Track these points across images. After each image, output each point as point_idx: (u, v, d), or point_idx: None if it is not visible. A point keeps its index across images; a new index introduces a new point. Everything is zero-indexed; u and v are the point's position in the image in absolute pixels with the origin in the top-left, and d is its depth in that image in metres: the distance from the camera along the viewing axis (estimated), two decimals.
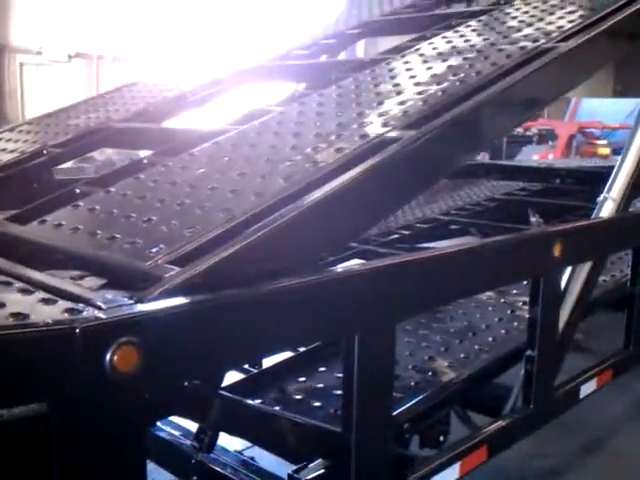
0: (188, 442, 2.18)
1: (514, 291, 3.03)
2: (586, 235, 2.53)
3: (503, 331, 2.65)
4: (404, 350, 2.42)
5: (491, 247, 2.06)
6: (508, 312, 2.85)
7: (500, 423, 2.23)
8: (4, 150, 2.63)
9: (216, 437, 2.11)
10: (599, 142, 15.29)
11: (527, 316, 2.31)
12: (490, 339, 2.57)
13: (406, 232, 4.21)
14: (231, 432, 2.17)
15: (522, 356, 2.30)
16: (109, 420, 1.16)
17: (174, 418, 2.28)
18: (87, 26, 13.62)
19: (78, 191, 2.02)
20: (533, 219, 4.03)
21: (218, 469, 2.08)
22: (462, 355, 2.42)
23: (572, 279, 2.51)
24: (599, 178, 4.94)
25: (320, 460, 1.78)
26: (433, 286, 1.83)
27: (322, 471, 1.76)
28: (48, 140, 2.64)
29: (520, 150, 14.00)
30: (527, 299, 2.31)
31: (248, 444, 2.40)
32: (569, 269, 2.50)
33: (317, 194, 1.61)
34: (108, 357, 1.12)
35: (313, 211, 1.57)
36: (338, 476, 1.72)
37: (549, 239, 2.24)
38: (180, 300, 1.25)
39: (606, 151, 14.19)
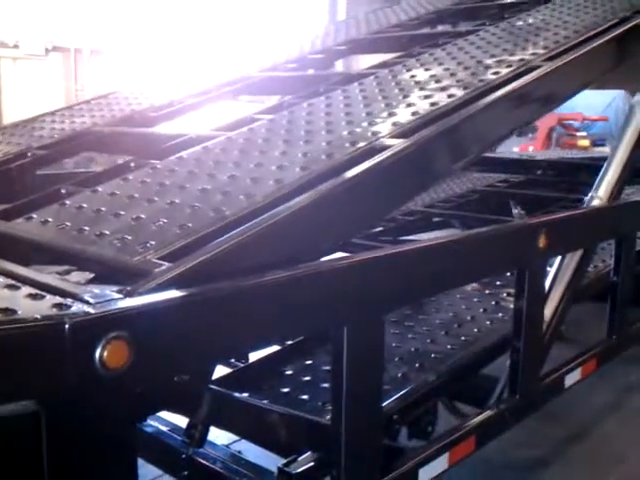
0: (178, 437, 2.18)
1: (498, 282, 3.05)
2: (570, 226, 2.54)
3: (488, 322, 2.67)
4: (390, 342, 2.43)
5: (476, 239, 2.07)
6: (493, 303, 2.86)
7: (487, 413, 2.25)
8: None
9: (206, 432, 2.11)
10: (579, 134, 15.40)
11: (512, 307, 2.32)
12: (475, 330, 2.58)
13: (389, 224, 4.22)
14: (220, 426, 2.16)
15: (508, 347, 2.31)
16: (99, 416, 1.16)
17: (162, 413, 2.27)
18: (64, 19, 13.49)
19: (64, 191, 2.00)
20: (515, 210, 4.06)
21: (208, 464, 2.08)
22: (448, 346, 2.43)
23: (558, 270, 2.52)
24: (580, 169, 5.01)
25: (309, 453, 1.78)
26: (418, 278, 1.83)
27: (312, 464, 1.76)
28: (32, 142, 2.63)
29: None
30: (512, 290, 2.32)
31: (235, 438, 2.40)
32: (556, 261, 2.52)
33: (308, 196, 1.61)
34: (98, 352, 1.11)
35: (303, 212, 1.58)
36: (328, 468, 1.72)
37: (533, 230, 2.25)
38: (170, 294, 1.25)
39: (586, 143, 14.31)
